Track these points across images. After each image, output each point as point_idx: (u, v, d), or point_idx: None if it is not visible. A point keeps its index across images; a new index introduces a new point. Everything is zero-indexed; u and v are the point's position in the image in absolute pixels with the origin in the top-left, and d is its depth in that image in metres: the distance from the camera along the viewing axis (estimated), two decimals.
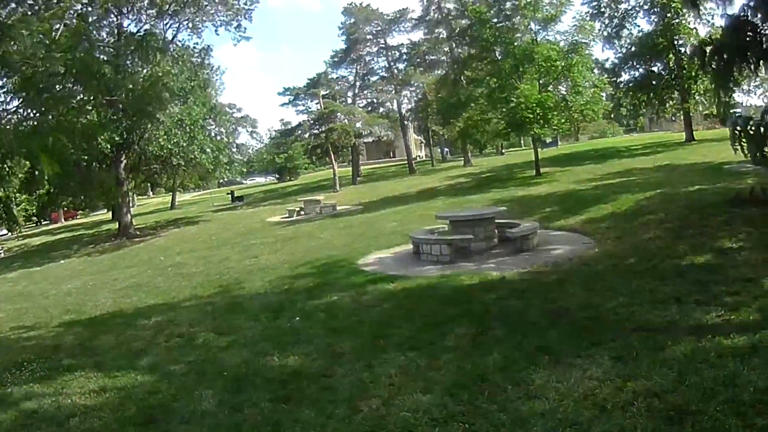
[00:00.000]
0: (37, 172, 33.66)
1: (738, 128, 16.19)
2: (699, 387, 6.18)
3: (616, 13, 53.85)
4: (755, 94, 53.65)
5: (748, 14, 15.77)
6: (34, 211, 69.29)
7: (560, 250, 14.93)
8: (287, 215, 37.37)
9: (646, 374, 6.64)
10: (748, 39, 15.49)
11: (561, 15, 38.29)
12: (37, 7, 28.76)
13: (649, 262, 12.14)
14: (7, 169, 32.53)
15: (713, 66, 17.06)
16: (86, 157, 35.27)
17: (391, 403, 6.98)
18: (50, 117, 30.36)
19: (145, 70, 35.78)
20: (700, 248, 12.54)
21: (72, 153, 32.49)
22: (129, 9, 36.42)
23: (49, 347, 12.09)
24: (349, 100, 74.31)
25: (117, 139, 35.25)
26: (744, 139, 16.10)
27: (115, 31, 37.22)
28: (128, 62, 35.05)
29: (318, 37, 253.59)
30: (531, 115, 34.52)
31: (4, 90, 31.88)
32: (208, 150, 42.24)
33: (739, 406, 5.71)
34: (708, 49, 17.15)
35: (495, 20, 38.52)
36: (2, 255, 42.15)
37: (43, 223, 76.92)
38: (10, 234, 55.04)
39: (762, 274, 9.86)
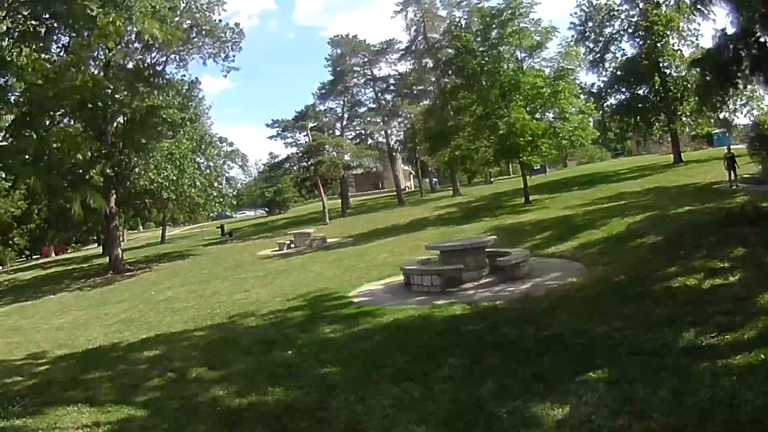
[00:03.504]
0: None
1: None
2: (696, 408, 6.15)
3: (600, 38, 54.28)
4: (741, 113, 53.85)
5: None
6: (26, 245, 69.20)
7: (552, 277, 14.92)
8: (278, 248, 37.31)
9: (642, 398, 6.60)
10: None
11: (546, 42, 38.58)
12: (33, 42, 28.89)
13: (642, 285, 12.16)
14: None
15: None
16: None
17: None
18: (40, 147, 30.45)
19: (136, 102, 35.82)
20: (693, 269, 12.57)
21: (64, 188, 32.58)
22: (117, 42, 36.46)
23: (41, 382, 11.94)
24: (338, 132, 74.39)
25: (108, 172, 35.23)
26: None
27: (103, 65, 37.21)
28: (118, 95, 35.08)
29: (296, 65, 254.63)
30: (522, 142, 34.70)
31: None
32: (199, 184, 42.19)
33: (736, 426, 5.68)
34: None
35: (481, 49, 38.62)
36: None
37: (33, 257, 76.69)
38: (1, 268, 54.94)
39: (755, 293, 9.87)
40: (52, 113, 32.73)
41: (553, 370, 8.00)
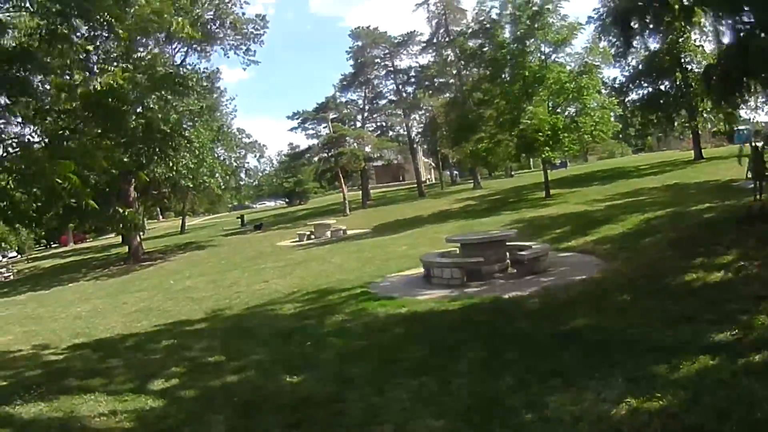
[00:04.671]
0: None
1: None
2: (714, 407, 6.09)
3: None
4: (762, 111, 53.52)
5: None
6: (43, 233, 69.34)
7: (571, 272, 14.85)
8: (297, 239, 37.32)
9: (661, 395, 6.54)
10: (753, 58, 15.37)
11: (573, 38, 38.27)
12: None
13: (660, 281, 12.05)
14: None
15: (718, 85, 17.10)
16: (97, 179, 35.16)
17: (403, 429, 6.88)
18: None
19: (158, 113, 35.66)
20: (712, 266, 12.41)
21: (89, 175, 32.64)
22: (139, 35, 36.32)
23: (58, 370, 12.03)
24: (359, 124, 74.48)
25: (126, 160, 35.26)
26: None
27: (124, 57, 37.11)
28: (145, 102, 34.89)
29: (313, 55, 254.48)
30: (541, 138, 34.54)
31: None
32: (218, 174, 42.19)
33: (754, 425, 5.64)
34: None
35: (510, 39, 38.35)
36: (12, 277, 42.32)
37: (52, 246, 77.02)
38: (20, 256, 55.23)
39: None
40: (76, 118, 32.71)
41: (571, 366, 7.96)
